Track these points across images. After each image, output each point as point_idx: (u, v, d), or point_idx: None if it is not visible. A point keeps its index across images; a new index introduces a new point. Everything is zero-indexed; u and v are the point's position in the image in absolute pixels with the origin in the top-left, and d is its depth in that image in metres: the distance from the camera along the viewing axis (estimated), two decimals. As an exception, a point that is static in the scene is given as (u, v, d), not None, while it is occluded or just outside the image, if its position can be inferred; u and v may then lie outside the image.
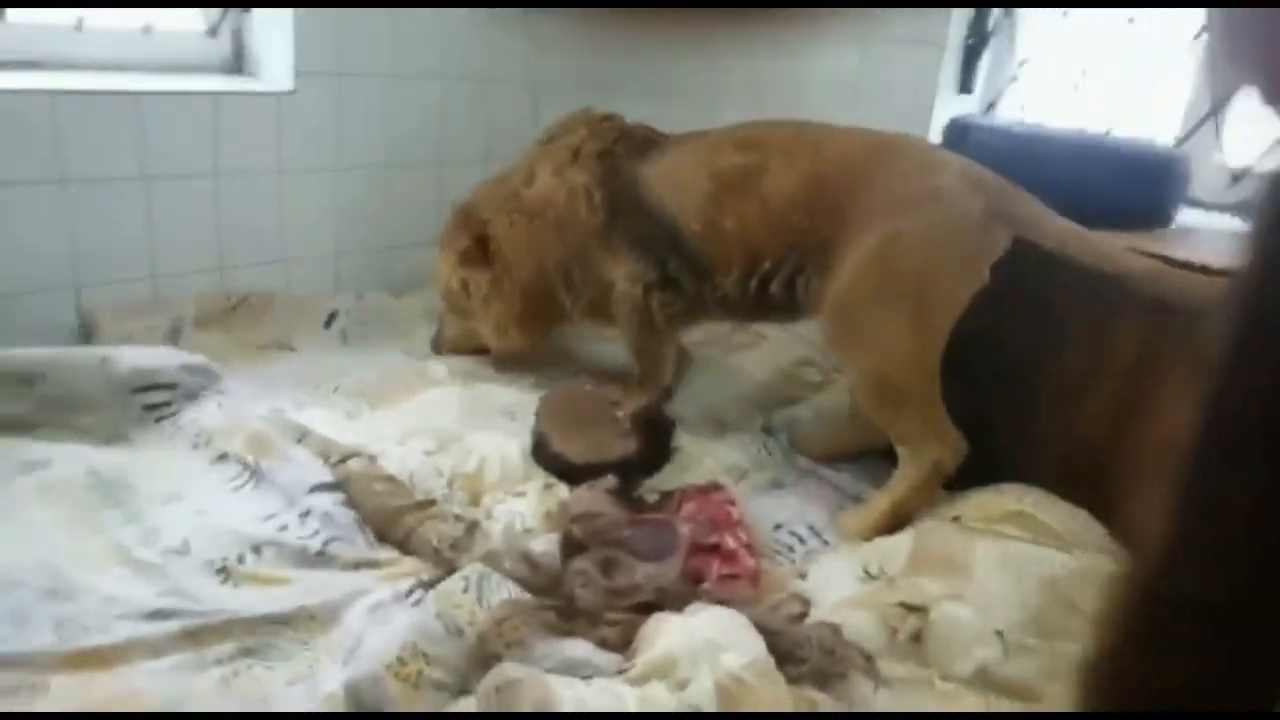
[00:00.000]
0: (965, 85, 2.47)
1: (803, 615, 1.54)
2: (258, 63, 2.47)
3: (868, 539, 1.72)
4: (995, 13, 2.40)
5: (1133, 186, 1.98)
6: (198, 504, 1.65)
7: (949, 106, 2.42)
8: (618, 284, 2.11)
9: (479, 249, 2.20)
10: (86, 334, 2.16)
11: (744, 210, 1.91)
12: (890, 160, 1.81)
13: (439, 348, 2.41)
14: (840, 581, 1.58)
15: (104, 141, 2.12)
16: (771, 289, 1.93)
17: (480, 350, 2.35)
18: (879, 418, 1.82)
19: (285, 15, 2.36)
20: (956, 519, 1.70)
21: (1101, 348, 1.80)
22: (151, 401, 1.87)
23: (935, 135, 2.36)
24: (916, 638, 1.46)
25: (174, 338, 2.18)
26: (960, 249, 1.71)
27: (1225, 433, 0.43)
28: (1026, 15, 2.41)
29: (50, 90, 2.04)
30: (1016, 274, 1.72)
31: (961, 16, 2.39)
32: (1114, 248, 1.70)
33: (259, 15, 2.43)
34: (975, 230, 1.71)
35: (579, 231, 2.12)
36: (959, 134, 2.11)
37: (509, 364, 2.33)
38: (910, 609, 1.49)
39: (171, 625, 1.36)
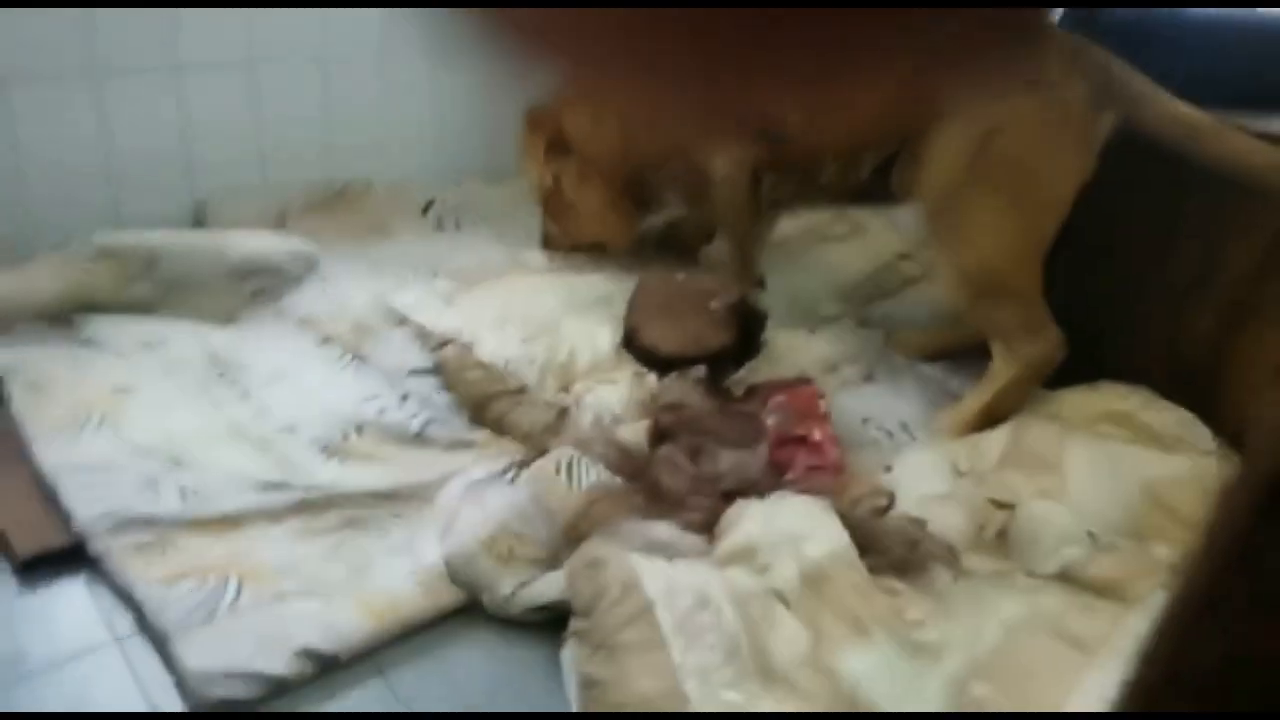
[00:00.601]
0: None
1: (887, 508, 1.54)
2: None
3: (962, 436, 1.70)
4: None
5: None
6: (305, 384, 1.73)
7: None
8: (720, 168, 2.05)
9: (560, 142, 2.19)
10: (199, 219, 2.25)
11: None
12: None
13: (547, 244, 2.39)
14: (927, 476, 1.57)
15: (216, 28, 2.16)
16: (864, 175, 1.88)
17: (580, 247, 2.35)
18: (975, 311, 1.77)
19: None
20: (1054, 417, 1.66)
21: (1221, 244, 1.70)
22: (261, 285, 1.96)
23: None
24: (1004, 534, 1.46)
25: (280, 223, 2.25)
26: (1062, 139, 1.64)
27: None
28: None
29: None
30: (1124, 161, 1.62)
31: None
32: (1240, 136, 1.56)
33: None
34: (1078, 118, 1.63)
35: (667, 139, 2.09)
36: (1081, 16, 1.95)
37: (607, 255, 2.33)
38: (999, 505, 1.48)
39: (284, 496, 1.45)
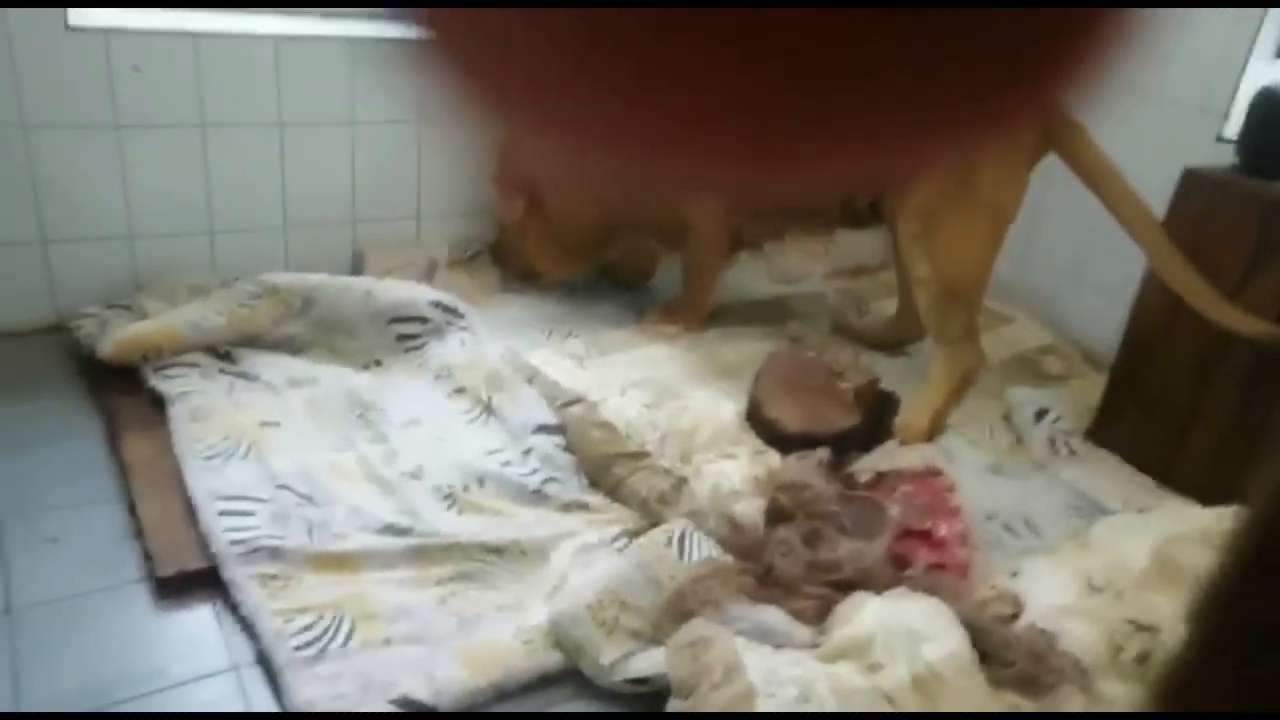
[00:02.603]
0: (1281, 49, 2.15)
1: (1014, 617, 1.45)
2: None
3: (926, 440, 1.90)
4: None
5: None
6: (435, 431, 1.79)
7: (1261, 73, 2.12)
8: (698, 217, 2.22)
9: (529, 193, 2.29)
10: (357, 267, 2.39)
11: None
12: None
13: (520, 273, 2.45)
14: (1058, 587, 1.46)
15: (389, 86, 2.31)
16: (858, 207, 2.16)
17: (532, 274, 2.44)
18: (938, 314, 1.98)
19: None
20: (1206, 534, 1.52)
21: None
22: (405, 332, 2.05)
23: (1240, 105, 2.08)
24: (1144, 659, 1.34)
25: (429, 275, 2.36)
26: (1016, 170, 1.95)
27: None
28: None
29: (348, 38, 2.24)
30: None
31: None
32: (1129, 192, 1.87)
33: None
34: (1028, 152, 1.95)
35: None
36: (1268, 106, 1.83)
37: (730, 324, 2.33)
38: (1140, 627, 1.37)
39: (402, 541, 1.49)
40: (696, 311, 2.33)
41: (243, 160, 2.21)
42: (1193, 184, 1.86)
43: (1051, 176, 2.53)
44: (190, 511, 1.53)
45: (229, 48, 2.12)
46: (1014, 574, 1.53)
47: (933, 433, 1.93)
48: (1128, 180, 1.88)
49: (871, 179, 1.87)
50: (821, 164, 0.25)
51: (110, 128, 2.04)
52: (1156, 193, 2.16)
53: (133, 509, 1.56)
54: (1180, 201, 1.87)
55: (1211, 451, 1.81)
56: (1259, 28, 2.09)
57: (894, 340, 2.35)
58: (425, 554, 1.48)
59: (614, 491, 1.70)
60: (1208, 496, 1.71)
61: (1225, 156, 1.98)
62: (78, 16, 1.98)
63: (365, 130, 2.32)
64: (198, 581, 1.43)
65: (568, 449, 1.77)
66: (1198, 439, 1.83)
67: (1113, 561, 1.49)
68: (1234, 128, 2.10)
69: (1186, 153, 2.13)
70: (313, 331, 2.01)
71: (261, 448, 1.69)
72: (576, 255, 2.38)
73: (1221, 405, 1.80)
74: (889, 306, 2.44)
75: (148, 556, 1.46)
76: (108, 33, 1.99)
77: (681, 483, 1.68)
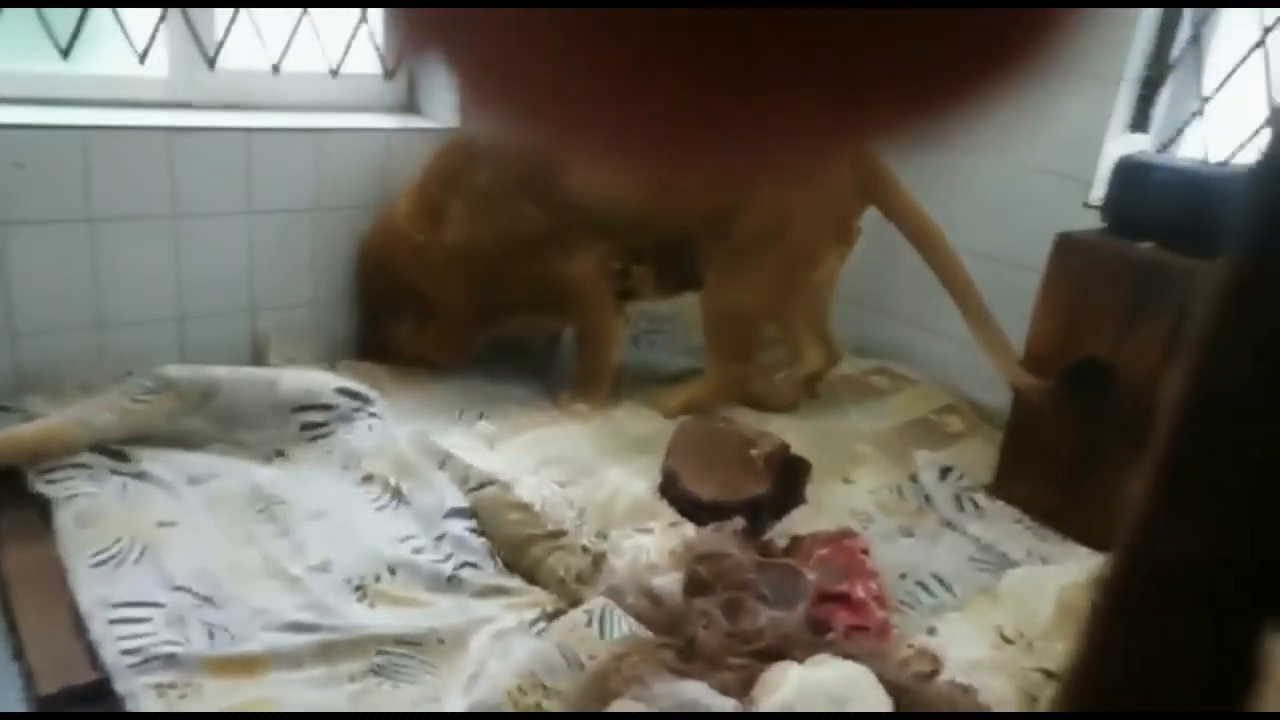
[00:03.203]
0: (1139, 123, 2.32)
1: (933, 674, 1.47)
2: (430, 101, 2.62)
3: (673, 416, 2.13)
4: (1181, 43, 2.24)
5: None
6: (343, 521, 1.74)
7: (1119, 144, 2.29)
8: (574, 275, 2.26)
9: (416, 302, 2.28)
10: (258, 356, 2.33)
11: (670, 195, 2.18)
12: None
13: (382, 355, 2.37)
14: (973, 642, 1.50)
15: (286, 175, 2.29)
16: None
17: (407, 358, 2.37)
18: (720, 331, 2.26)
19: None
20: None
21: None
22: (310, 420, 2.00)
23: (1102, 173, 2.23)
24: (1058, 709, 1.37)
25: (332, 362, 2.31)
26: (827, 223, 2.19)
27: (1206, 406, 0.43)
28: (1215, 45, 2.24)
29: (244, 129, 2.23)
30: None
31: (1140, 48, 2.25)
32: (940, 241, 2.17)
33: (424, 60, 2.56)
34: (842, 205, 2.19)
35: (521, 252, 2.21)
36: (1130, 172, 1.97)
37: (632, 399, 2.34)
38: (1051, 675, 1.40)
39: (310, 639, 1.43)
40: (599, 384, 2.32)
41: (134, 252, 2.15)
42: (1066, 247, 1.98)
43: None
44: (78, 623, 1.44)
45: (120, 141, 2.08)
46: (930, 631, 1.55)
47: (676, 414, 2.17)
48: (943, 234, 2.15)
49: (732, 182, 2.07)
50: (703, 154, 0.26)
51: (-10, 224, 1.97)
52: (1034, 255, 2.29)
53: (13, 626, 1.46)
54: (1056, 264, 1.98)
55: (1108, 499, 1.89)
56: (1114, 103, 2.26)
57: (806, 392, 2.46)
58: (335, 650, 1.42)
59: (531, 573, 1.67)
60: (1108, 543, 1.77)
61: (1093, 221, 2.11)
62: (-44, 112, 1.93)
63: (262, 219, 2.29)
64: (87, 698, 1.34)
65: (481, 533, 1.73)
66: (1092, 488, 1.91)
67: (1021, 613, 1.53)
68: (1098, 193, 2.25)
69: (1058, 218, 2.27)
70: (212, 425, 1.94)
71: (157, 549, 1.60)
72: (458, 343, 2.36)
73: (1114, 451, 1.87)
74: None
75: (30, 675, 1.36)
76: (-12, 128, 1.93)
77: (600, 559, 1.66)
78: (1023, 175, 2.46)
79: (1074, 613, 1.48)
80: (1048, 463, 1.99)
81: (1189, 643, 0.42)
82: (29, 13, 2.06)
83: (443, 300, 2.26)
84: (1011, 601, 1.59)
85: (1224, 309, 0.41)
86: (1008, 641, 1.48)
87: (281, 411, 1.98)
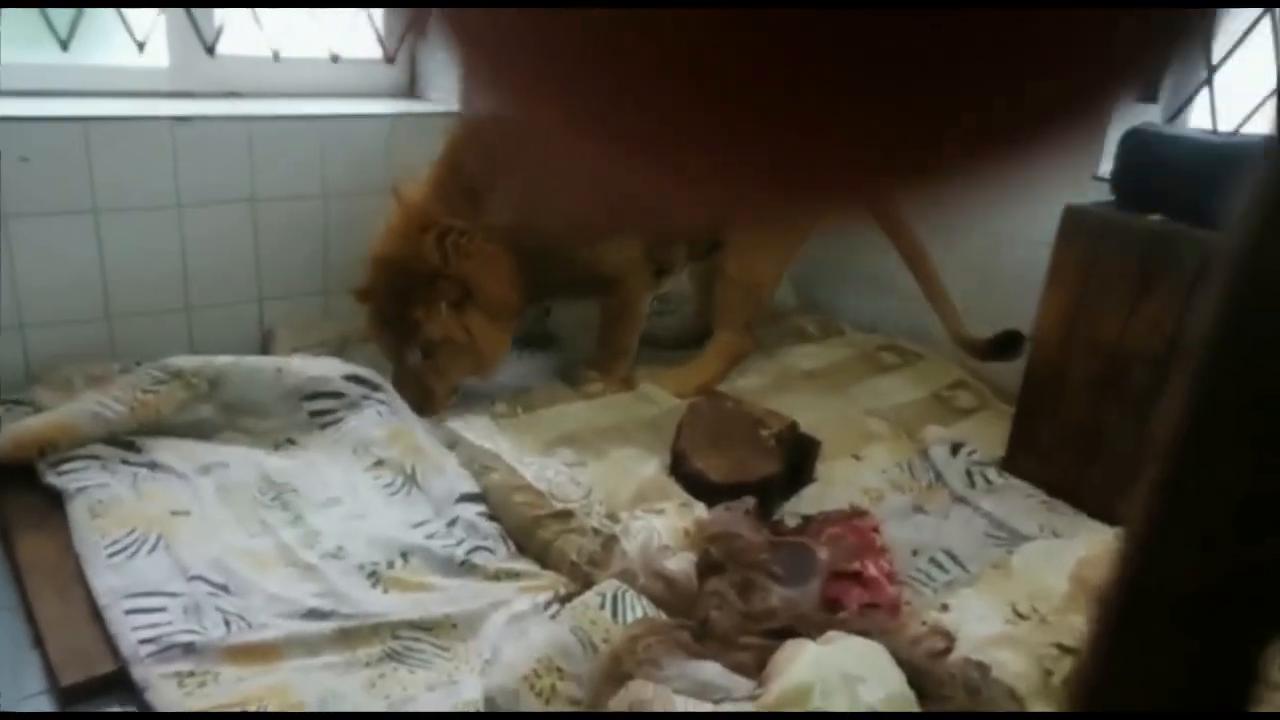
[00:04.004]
0: (1146, 94, 2.29)
1: (946, 651, 1.47)
2: (430, 85, 2.60)
3: (688, 397, 2.12)
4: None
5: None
6: (355, 508, 1.74)
7: (1126, 116, 2.26)
8: (622, 263, 2.22)
9: (458, 288, 2.07)
10: (266, 346, 2.33)
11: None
12: None
13: (430, 408, 2.11)
14: (986, 617, 1.49)
15: (290, 162, 2.29)
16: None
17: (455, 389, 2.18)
18: (731, 305, 2.35)
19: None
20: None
21: None
22: (319, 408, 2.00)
23: (1109, 146, 2.21)
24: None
25: (341, 351, 2.31)
26: None
27: (1209, 419, 0.42)
28: (1221, 14, 2.21)
29: (246, 116, 2.22)
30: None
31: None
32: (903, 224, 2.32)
33: (432, 41, 2.55)
34: None
35: (575, 235, 2.14)
36: (1139, 145, 1.95)
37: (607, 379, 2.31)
38: (1066, 650, 1.40)
39: (326, 625, 1.44)
40: (623, 361, 2.33)
41: (140, 243, 2.15)
42: (1075, 220, 1.96)
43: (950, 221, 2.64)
44: (96, 613, 1.45)
45: (122, 131, 2.07)
46: (943, 607, 1.55)
47: (692, 394, 2.18)
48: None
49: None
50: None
51: (-5, 217, 1.97)
52: (1040, 229, 2.27)
53: (31, 616, 1.47)
54: (1065, 237, 1.97)
55: (1117, 472, 1.88)
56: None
57: (691, 339, 2.55)
58: (351, 636, 1.43)
59: (542, 556, 1.68)
60: (1117, 516, 1.77)
61: (1100, 193, 2.09)
62: (-42, 106, 1.92)
63: (267, 207, 2.29)
64: (107, 687, 1.35)
65: (492, 516, 1.74)
66: (1103, 461, 1.91)
67: (1034, 588, 1.53)
68: (1107, 166, 2.23)
69: (1065, 191, 2.25)
70: (221, 415, 1.95)
71: (171, 539, 1.61)
72: (503, 327, 2.16)
73: (1120, 427, 1.88)
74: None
75: (50, 665, 1.37)
76: (-8, 122, 1.93)
77: (611, 541, 1.66)
78: (1028, 148, 2.43)
79: (1088, 587, 1.48)
80: (1059, 437, 1.99)
81: (1193, 663, 0.41)
82: (27, 5, 2.05)
83: (488, 287, 2.09)
84: (1024, 576, 1.59)
85: (1229, 305, 0.40)
86: (1021, 617, 1.48)
87: (291, 400, 1.98)
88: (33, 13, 2.07)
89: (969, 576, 1.67)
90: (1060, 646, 1.39)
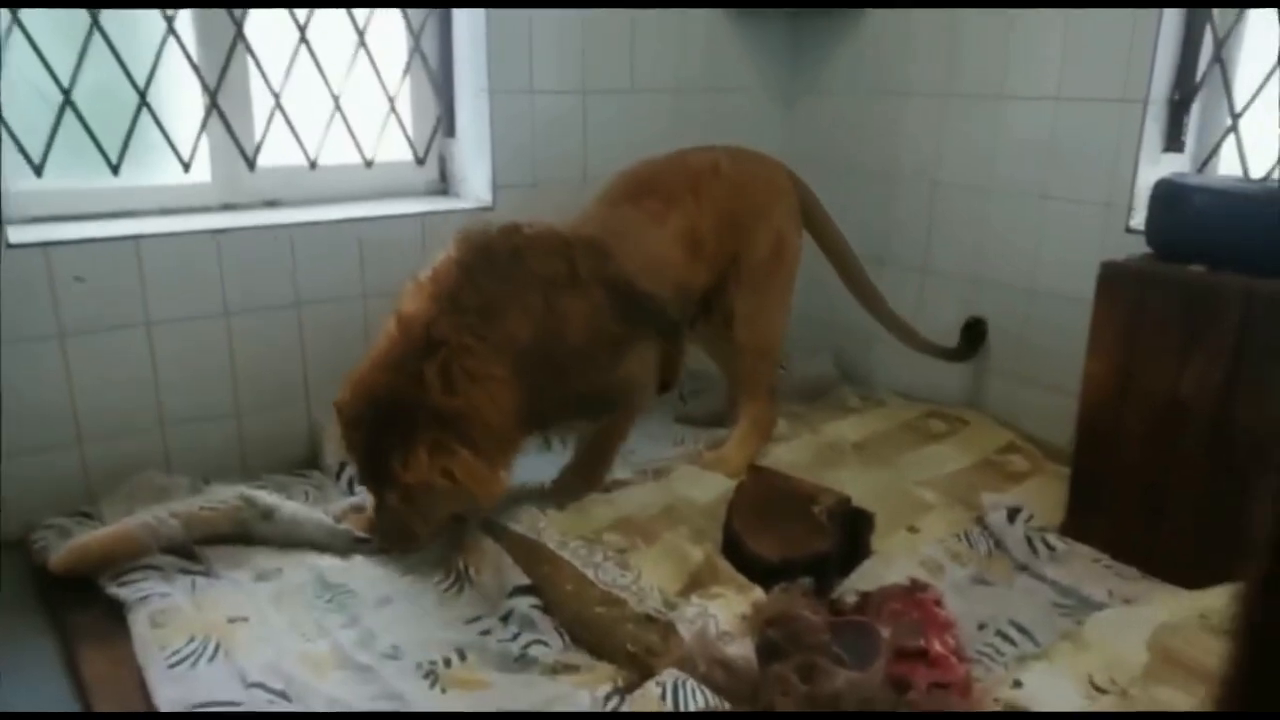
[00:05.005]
0: (1173, 143, 2.30)
1: (1024, 730, 1.42)
2: (460, 183, 2.68)
3: (738, 475, 2.05)
4: (1203, 63, 2.23)
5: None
6: (409, 607, 1.74)
7: (1156, 167, 2.27)
8: (637, 370, 2.10)
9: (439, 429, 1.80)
10: (314, 442, 2.36)
11: (696, 258, 2.24)
12: (750, 168, 2.38)
13: (411, 549, 1.91)
14: (1063, 693, 1.44)
15: (330, 265, 2.35)
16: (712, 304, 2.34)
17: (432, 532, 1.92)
18: (751, 374, 2.38)
19: (484, 139, 2.55)
20: (1203, 617, 1.52)
21: None
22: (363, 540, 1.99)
23: (1141, 198, 2.21)
24: (1161, 757, 1.31)
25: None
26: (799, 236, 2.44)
27: None
28: (1241, 61, 2.23)
29: (287, 224, 2.30)
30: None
31: (1163, 70, 2.24)
32: (851, 261, 2.60)
33: (460, 140, 2.64)
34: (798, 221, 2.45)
35: (599, 347, 1.99)
36: (1172, 196, 1.93)
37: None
38: (1152, 726, 1.34)
39: (386, 729, 1.42)
40: (605, 470, 2.18)
41: (190, 352, 2.21)
42: (1114, 275, 1.95)
43: (983, 281, 2.65)
44: (159, 727, 1.45)
45: (170, 246, 2.15)
46: (1016, 684, 1.49)
47: (741, 471, 2.09)
48: (849, 246, 2.56)
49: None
50: None
51: (54, 337, 2.04)
52: (1075, 285, 2.27)
53: (95, 732, 1.47)
54: (1105, 293, 1.95)
55: (1188, 529, 1.83)
56: (1141, 127, 2.24)
57: (725, 420, 2.54)
58: (411, 741, 1.41)
59: (597, 647, 1.65)
60: (1194, 577, 1.71)
61: (1134, 246, 2.09)
62: (17, 234, 2.00)
63: (310, 309, 2.35)
64: (171, 804, 1.34)
65: (545, 609, 1.72)
66: (1172, 518, 1.85)
67: (1111, 659, 1.47)
68: (1139, 218, 2.23)
69: (1097, 246, 2.25)
70: (280, 532, 1.96)
71: (230, 646, 1.61)
72: (501, 467, 1.91)
73: (1188, 478, 1.82)
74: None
75: (114, 783, 1.37)
76: (47, 246, 2.01)
77: (667, 629, 1.64)
78: (1051, 203, 2.44)
79: (1172, 658, 1.42)
80: (1120, 498, 1.94)
81: None
82: (80, 133, 2.15)
83: (488, 418, 1.83)
84: (1100, 647, 1.53)
85: None
86: (1100, 691, 1.43)
87: (340, 536, 1.98)
88: (85, 141, 2.17)
89: (1039, 649, 1.61)
90: (1144, 720, 1.33)
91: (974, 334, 2.64)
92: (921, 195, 2.76)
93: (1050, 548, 1.94)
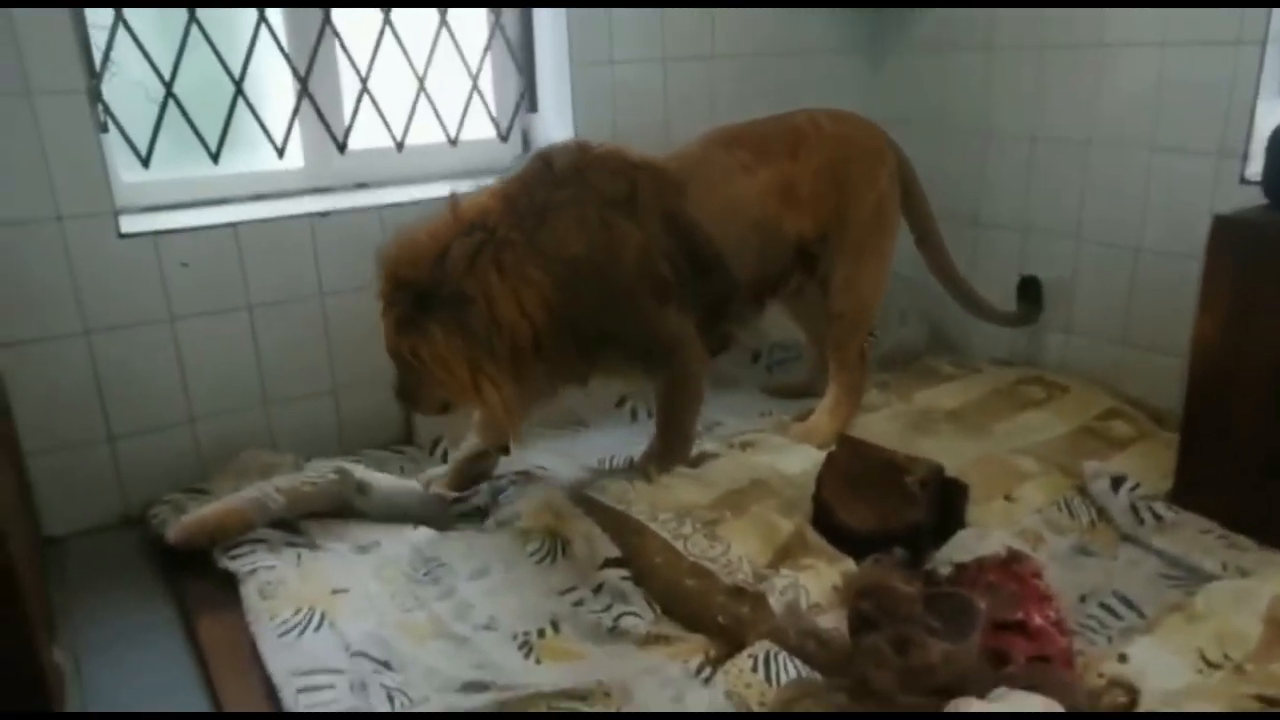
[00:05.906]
0: (1288, 86, 2.15)
1: (1130, 705, 1.37)
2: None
3: (828, 446, 2.01)
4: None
5: None
6: (504, 578, 1.78)
7: (1276, 114, 2.13)
8: (679, 329, 2.02)
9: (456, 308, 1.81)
10: (410, 427, 2.42)
11: (791, 206, 2.18)
12: (854, 130, 2.31)
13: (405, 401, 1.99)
14: (1172, 667, 1.38)
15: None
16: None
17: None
18: (845, 343, 2.33)
19: (566, 113, 2.55)
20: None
21: None
22: (463, 510, 2.07)
23: (1258, 146, 2.08)
24: (1280, 738, 1.25)
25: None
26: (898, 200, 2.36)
27: None
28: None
29: (377, 206, 2.35)
30: None
31: (1280, 11, 2.10)
32: (937, 244, 2.52)
33: (543, 115, 2.65)
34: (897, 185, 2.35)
35: (647, 283, 1.96)
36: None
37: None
38: (1270, 703, 1.28)
39: (483, 697, 1.46)
40: (686, 448, 2.12)
41: (289, 333, 2.29)
42: (1227, 229, 1.84)
43: (1082, 237, 2.54)
44: (272, 691, 1.52)
45: (268, 231, 2.22)
46: (1121, 657, 1.44)
47: (832, 441, 2.05)
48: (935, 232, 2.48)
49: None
50: None
51: (164, 321, 2.14)
52: (1187, 241, 2.15)
53: (214, 697, 1.56)
54: (1217, 248, 1.85)
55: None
56: (1260, 66, 2.11)
57: (813, 390, 2.51)
58: (507, 708, 1.44)
59: (688, 618, 1.66)
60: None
61: (1249, 198, 1.97)
62: (128, 224, 2.10)
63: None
64: (286, 765, 1.41)
65: (636, 580, 1.74)
66: (1287, 489, 1.76)
67: (1224, 632, 1.41)
68: (1255, 168, 2.10)
69: (1210, 198, 2.13)
70: (377, 507, 2.04)
71: (334, 616, 1.68)
72: (511, 369, 1.86)
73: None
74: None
75: (232, 745, 1.44)
76: (156, 235, 2.10)
77: (758, 600, 1.63)
78: (1159, 155, 2.32)
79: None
80: (1233, 465, 1.84)
81: None
82: (182, 125, 2.24)
83: (504, 309, 1.81)
84: (1212, 620, 1.47)
85: None
86: (1212, 666, 1.37)
87: (434, 505, 2.05)
88: (187, 132, 2.25)
89: (1146, 622, 1.56)
90: (1263, 699, 1.27)
91: (1030, 294, 2.59)
92: (1020, 152, 2.66)
93: (1158, 517, 1.86)
